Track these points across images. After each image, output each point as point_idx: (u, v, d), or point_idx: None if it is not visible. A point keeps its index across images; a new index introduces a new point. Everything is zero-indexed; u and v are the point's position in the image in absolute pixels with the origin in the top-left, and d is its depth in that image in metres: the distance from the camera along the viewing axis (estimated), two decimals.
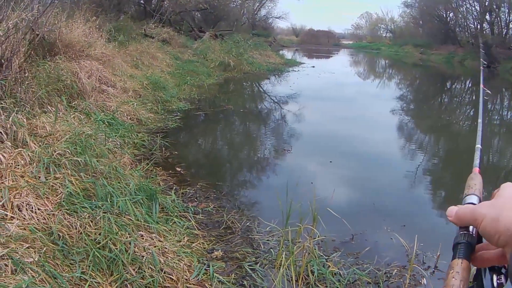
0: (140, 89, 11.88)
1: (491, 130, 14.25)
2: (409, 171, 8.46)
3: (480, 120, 1.77)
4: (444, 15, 66.20)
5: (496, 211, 0.88)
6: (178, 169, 7.33)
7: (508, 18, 56.73)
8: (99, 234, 4.04)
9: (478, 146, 1.64)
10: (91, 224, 4.19)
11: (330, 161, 8.68)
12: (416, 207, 6.95)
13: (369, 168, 8.65)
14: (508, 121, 16.68)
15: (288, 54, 43.76)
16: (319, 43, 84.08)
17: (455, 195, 7.71)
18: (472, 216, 0.93)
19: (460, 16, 63.17)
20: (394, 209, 6.60)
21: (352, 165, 8.83)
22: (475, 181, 1.21)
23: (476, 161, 1.48)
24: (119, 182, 5.43)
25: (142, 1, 25.46)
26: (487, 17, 57.88)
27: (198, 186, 6.63)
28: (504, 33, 56.30)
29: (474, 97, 24.76)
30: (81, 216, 4.25)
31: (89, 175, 5.25)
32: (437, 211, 6.97)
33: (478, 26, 58.66)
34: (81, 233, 4.02)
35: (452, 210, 1.00)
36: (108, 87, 10.44)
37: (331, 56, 56.34)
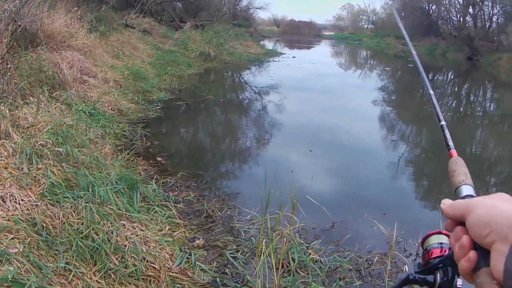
0: (121, 79, 11.84)
1: (473, 122, 14.48)
2: (391, 161, 8.61)
3: (431, 92, 1.60)
4: (427, 7, 66.59)
5: (493, 201, 0.80)
6: (159, 159, 7.38)
7: (491, 12, 57.15)
8: (82, 224, 4.08)
9: (443, 123, 1.41)
10: (73, 214, 4.22)
11: (310, 150, 8.74)
12: (397, 196, 7.09)
13: (350, 158, 8.78)
14: (490, 113, 16.91)
15: (269, 44, 43.70)
16: (300, 34, 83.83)
17: (436, 185, 7.86)
18: (466, 206, 0.84)
19: (443, 9, 63.61)
20: (375, 198, 6.71)
21: (333, 154, 8.96)
22: (463, 167, 1.12)
23: (450, 141, 1.31)
24: (100, 172, 5.46)
25: None
26: (470, 10, 58.31)
27: (178, 175, 6.68)
28: (487, 26, 56.77)
29: (456, 89, 25.03)
30: (63, 206, 4.28)
31: (71, 166, 5.28)
32: (419, 200, 7.12)
33: (461, 19, 59.14)
34: (64, 223, 4.06)
35: (448, 201, 0.93)
36: (89, 77, 10.42)
37: (312, 47, 56.38)
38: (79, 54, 10.72)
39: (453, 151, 1.26)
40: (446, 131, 1.36)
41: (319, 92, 17.17)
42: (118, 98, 10.16)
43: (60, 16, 11.13)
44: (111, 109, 9.53)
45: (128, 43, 16.27)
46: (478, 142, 11.48)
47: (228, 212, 5.53)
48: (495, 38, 51.94)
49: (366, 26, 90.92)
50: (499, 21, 56.51)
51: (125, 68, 13.04)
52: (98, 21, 15.88)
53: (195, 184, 6.44)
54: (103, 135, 7.53)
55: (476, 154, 10.03)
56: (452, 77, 32.41)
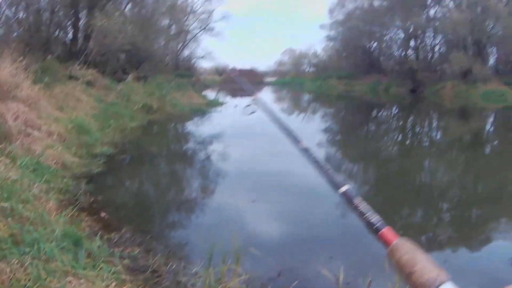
0: (64, 132, 11.76)
1: (419, 153, 15.03)
2: (337, 201, 8.83)
3: (303, 146, 1.22)
4: (368, 45, 68.65)
5: None
6: (103, 214, 7.40)
7: (433, 42, 59.55)
8: (29, 280, 4.13)
9: (344, 189, 1.04)
10: (20, 270, 4.28)
11: (254, 199, 8.82)
12: (345, 236, 7.28)
13: (296, 202, 8.97)
14: (437, 142, 17.65)
15: (211, 94, 44.01)
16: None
17: (386, 221, 8.11)
18: None
19: (384, 45, 65.82)
20: (322, 241, 6.89)
21: (279, 199, 9.16)
22: (421, 254, 0.88)
23: (374, 217, 0.96)
24: (45, 228, 5.49)
25: (68, 41, 25.34)
26: (412, 43, 60.61)
27: (123, 231, 6.68)
28: (429, 57, 59.08)
29: (401, 123, 25.89)
30: (10, 262, 4.32)
31: (16, 221, 5.32)
32: (366, 239, 7.33)
33: (403, 53, 61.34)
34: (11, 279, 4.11)
35: None
36: (34, 130, 10.36)
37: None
38: (23, 106, 10.70)
39: (388, 231, 0.92)
40: (358, 201, 0.99)
41: (263, 139, 17.41)
42: (62, 151, 10.13)
43: (6, 66, 11.12)
44: (55, 163, 9.49)
45: (72, 95, 16.22)
46: (428, 173, 12.01)
47: (174, 266, 5.60)
48: (438, 68, 54.07)
49: (307, 69, 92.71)
50: (441, 50, 59.00)
51: (68, 121, 12.98)
52: (43, 72, 15.83)
53: (140, 239, 6.47)
54: (48, 190, 7.53)
55: (428, 188, 10.55)
56: (396, 111, 33.57)
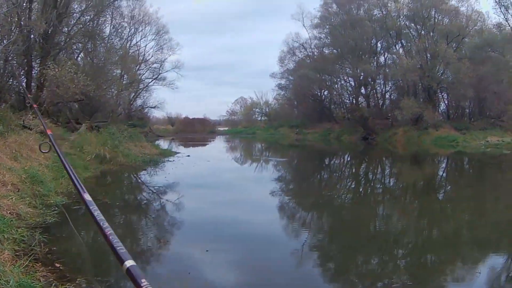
0: (19, 182, 11.74)
1: (372, 200, 15.38)
2: (294, 249, 9.03)
3: None
4: (319, 93, 69.68)
5: None
6: (58, 264, 7.39)
7: (384, 89, 60.82)
8: None
9: (128, 264, 0.90)
10: None
11: (207, 250, 8.89)
12: (303, 283, 7.37)
13: (252, 251, 9.12)
14: (390, 188, 18.19)
15: (164, 144, 43.99)
16: (195, 131, 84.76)
17: (342, 268, 8.32)
18: None
19: (335, 93, 66.95)
20: None
21: (234, 248, 9.29)
22: None
23: None
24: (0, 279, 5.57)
25: (21, 90, 25.26)
26: (363, 90, 61.87)
27: (78, 281, 6.71)
28: (380, 104, 60.26)
29: (354, 170, 26.38)
30: None
31: None
32: (325, 285, 7.53)
33: (354, 101, 62.58)
34: None
35: None
36: None
37: (207, 144, 57.20)
38: None
39: None
40: (144, 284, 0.84)
41: (216, 188, 17.69)
42: (16, 202, 10.10)
43: None
44: (10, 213, 9.44)
45: (25, 144, 16.18)
46: (383, 220, 12.32)
47: None
48: (389, 115, 55.31)
49: (259, 118, 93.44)
50: (392, 97, 60.45)
51: (22, 171, 12.96)
52: None
53: None
54: (2, 240, 7.51)
55: (384, 235, 10.76)
56: (348, 159, 34.08)
